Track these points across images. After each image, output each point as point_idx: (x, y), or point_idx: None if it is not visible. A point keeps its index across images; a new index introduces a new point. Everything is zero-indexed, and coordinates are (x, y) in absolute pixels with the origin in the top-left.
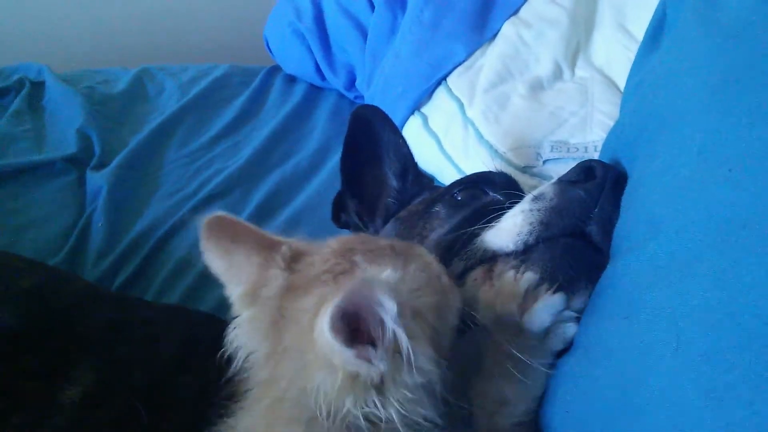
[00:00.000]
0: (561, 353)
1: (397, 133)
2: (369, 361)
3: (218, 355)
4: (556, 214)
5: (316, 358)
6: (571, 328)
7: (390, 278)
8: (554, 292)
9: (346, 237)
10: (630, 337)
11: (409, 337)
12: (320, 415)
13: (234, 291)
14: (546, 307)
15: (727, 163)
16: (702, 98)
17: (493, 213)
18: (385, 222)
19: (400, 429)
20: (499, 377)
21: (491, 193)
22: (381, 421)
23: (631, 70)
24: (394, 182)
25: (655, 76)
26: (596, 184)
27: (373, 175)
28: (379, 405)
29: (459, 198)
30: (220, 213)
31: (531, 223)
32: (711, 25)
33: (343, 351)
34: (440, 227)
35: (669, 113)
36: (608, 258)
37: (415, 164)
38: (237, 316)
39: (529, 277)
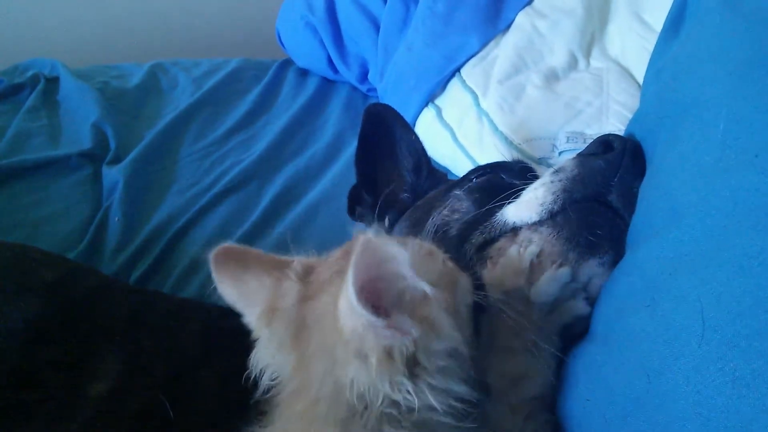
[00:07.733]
0: (578, 340)
1: (409, 129)
2: (400, 329)
3: (236, 349)
4: (578, 183)
5: (346, 350)
6: (579, 307)
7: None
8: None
9: (348, 242)
10: (653, 325)
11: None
12: (357, 409)
13: (251, 314)
14: (551, 280)
15: (752, 149)
16: (725, 84)
17: (512, 193)
18: (401, 215)
19: (435, 404)
20: (512, 353)
21: (508, 180)
22: (416, 406)
23: (652, 57)
24: (408, 177)
25: (677, 62)
26: (615, 155)
27: (387, 170)
28: (412, 389)
29: (477, 183)
30: (226, 244)
31: (554, 192)
32: (735, 10)
33: (374, 323)
34: (459, 210)
35: (691, 100)
36: (628, 226)
37: (429, 160)
38: (257, 339)
39: (531, 250)
